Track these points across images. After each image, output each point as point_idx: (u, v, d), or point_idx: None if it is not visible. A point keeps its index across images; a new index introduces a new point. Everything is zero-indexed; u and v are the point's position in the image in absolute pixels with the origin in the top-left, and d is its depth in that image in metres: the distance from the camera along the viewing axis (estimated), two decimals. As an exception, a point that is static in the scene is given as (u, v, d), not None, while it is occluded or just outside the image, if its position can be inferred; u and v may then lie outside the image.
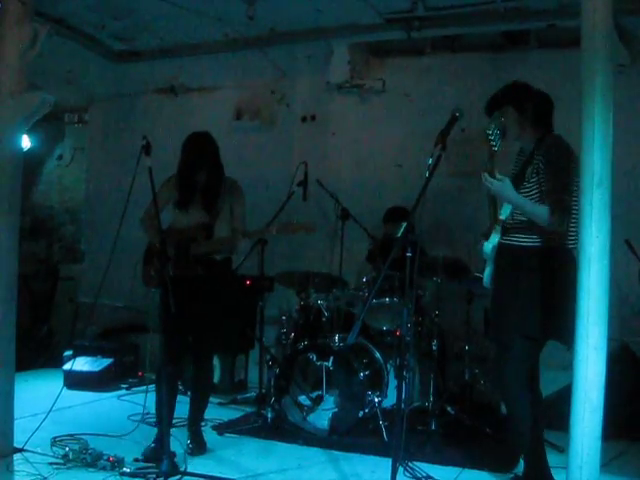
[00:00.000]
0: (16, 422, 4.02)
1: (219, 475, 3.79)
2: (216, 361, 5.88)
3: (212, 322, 4.33)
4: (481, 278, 3.79)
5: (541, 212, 3.35)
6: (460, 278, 5.21)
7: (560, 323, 3.29)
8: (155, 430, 4.25)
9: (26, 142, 4.30)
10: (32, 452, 4.01)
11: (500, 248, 3.58)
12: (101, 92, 7.60)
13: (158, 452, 3.94)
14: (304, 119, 6.81)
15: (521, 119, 3.56)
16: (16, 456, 3.93)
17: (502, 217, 3.56)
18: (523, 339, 3.45)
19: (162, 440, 3.84)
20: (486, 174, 3.41)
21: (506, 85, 3.69)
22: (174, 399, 4.34)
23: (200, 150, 4.33)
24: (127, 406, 5.40)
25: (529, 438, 3.49)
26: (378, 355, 4.90)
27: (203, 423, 4.58)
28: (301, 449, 4.49)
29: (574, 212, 3.28)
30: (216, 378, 5.97)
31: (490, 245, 3.61)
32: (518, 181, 3.50)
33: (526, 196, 3.46)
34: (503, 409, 4.98)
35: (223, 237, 4.31)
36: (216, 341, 4.58)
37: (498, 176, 3.41)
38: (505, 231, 3.56)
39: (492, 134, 3.40)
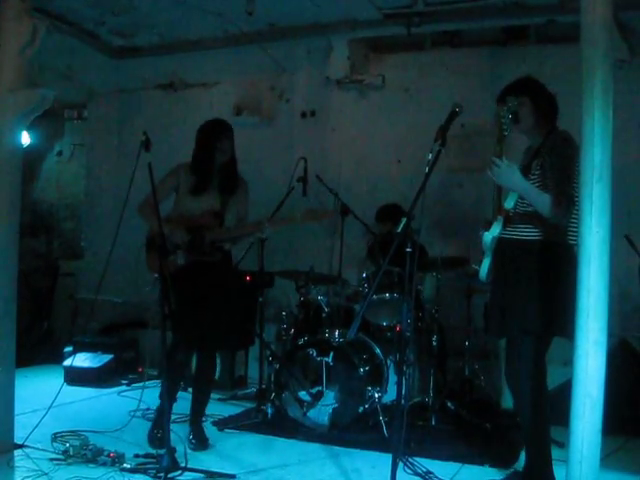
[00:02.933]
0: (16, 418, 4.05)
1: (219, 470, 3.79)
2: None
3: (218, 316, 4.33)
4: (478, 271, 3.78)
5: (546, 201, 3.32)
6: (459, 273, 5.21)
7: (563, 318, 3.27)
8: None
9: (25, 138, 4.29)
10: (33, 448, 4.01)
11: (500, 243, 3.55)
12: (101, 88, 7.60)
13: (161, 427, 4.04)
14: (304, 115, 6.81)
15: (536, 112, 3.55)
16: (17, 452, 3.94)
17: (506, 207, 3.52)
18: (526, 335, 3.44)
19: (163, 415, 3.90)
20: (494, 158, 3.41)
21: (521, 77, 3.67)
22: (175, 393, 4.36)
23: (221, 134, 4.37)
24: (127, 402, 5.39)
25: (534, 434, 3.49)
26: (378, 351, 4.89)
27: (203, 419, 4.58)
28: (301, 444, 4.48)
29: (576, 207, 3.27)
30: (216, 374, 5.96)
31: (490, 236, 3.56)
32: (523, 174, 3.47)
33: None
34: (503, 404, 5.01)
35: (247, 223, 4.36)
36: (222, 336, 4.58)
37: (506, 162, 3.40)
38: (507, 222, 3.52)
39: (504, 117, 3.41)
